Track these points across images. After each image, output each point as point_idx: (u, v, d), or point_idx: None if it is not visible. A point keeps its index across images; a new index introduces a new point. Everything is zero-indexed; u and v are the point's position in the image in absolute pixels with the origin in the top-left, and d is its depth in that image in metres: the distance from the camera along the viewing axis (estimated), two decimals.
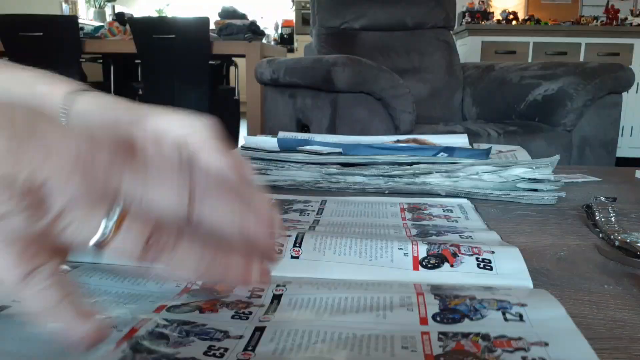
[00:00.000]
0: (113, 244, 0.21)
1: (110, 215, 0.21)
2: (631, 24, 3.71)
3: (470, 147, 0.73)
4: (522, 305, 0.28)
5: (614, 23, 3.82)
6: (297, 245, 0.37)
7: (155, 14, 5.74)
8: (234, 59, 3.51)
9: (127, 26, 3.12)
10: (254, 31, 3.06)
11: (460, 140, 0.75)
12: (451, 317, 0.27)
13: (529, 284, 0.33)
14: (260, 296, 0.30)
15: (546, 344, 0.24)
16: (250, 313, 0.28)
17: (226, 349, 0.24)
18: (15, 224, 0.19)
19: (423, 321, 0.27)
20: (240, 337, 0.25)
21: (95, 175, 0.20)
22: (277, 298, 0.30)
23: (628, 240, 0.39)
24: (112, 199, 0.21)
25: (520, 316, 0.27)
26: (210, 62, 3.09)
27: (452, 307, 0.28)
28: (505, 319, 0.27)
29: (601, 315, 0.30)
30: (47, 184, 0.19)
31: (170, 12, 6.15)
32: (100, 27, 3.44)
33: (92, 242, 0.20)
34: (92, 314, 0.21)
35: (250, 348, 0.24)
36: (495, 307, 0.28)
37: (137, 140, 0.23)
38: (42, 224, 0.19)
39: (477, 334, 0.25)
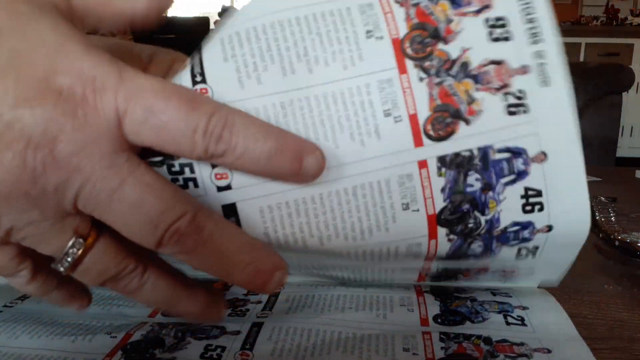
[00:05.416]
0: (84, 263, 0.20)
1: (75, 237, 0.19)
2: (631, 24, 3.71)
3: None
4: (524, 308, 0.28)
5: (614, 23, 3.82)
6: None
7: None
8: None
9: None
10: None
11: None
12: (452, 318, 0.27)
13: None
14: (257, 293, 0.30)
15: (549, 351, 0.24)
16: (248, 310, 0.28)
17: (223, 349, 0.24)
18: None
19: (424, 322, 0.26)
20: (238, 332, 0.25)
21: (42, 199, 0.18)
22: (274, 295, 0.30)
23: (628, 240, 0.39)
24: (70, 223, 0.19)
25: (522, 320, 0.27)
26: None
27: (453, 308, 0.28)
28: (507, 323, 0.27)
29: (601, 315, 0.29)
30: None
31: (170, 12, 6.15)
32: None
33: (67, 259, 0.20)
34: None
35: (247, 346, 0.24)
36: (496, 310, 0.28)
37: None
38: None
39: (479, 337, 0.25)
